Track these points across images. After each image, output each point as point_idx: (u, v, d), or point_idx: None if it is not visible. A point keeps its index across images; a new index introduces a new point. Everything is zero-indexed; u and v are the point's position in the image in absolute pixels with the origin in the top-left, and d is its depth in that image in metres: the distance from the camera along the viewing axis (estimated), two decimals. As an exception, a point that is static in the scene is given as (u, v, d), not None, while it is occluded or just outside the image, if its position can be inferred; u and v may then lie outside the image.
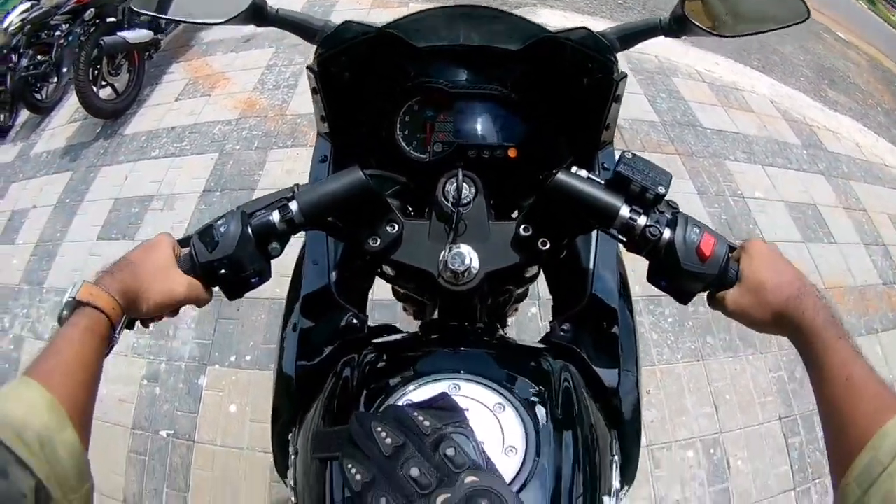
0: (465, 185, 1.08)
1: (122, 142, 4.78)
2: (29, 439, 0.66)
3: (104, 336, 0.82)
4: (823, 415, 0.78)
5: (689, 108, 4.44)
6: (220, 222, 0.93)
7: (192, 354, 3.19)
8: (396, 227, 1.02)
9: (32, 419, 0.68)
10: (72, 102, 5.39)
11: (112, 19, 5.01)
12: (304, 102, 4.42)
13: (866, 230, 4.14)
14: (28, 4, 6.22)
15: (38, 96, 5.68)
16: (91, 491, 0.74)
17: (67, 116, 5.54)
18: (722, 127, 4.38)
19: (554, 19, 5.63)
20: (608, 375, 1.09)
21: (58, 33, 5.66)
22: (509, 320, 1.71)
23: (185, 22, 1.20)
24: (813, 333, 0.80)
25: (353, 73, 1.25)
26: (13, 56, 5.72)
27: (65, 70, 5.48)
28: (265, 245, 0.94)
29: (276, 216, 0.94)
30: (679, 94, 4.55)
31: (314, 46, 1.23)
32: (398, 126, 1.28)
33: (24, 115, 5.93)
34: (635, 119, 4.20)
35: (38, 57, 5.67)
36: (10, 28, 5.79)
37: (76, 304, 0.81)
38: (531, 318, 3.09)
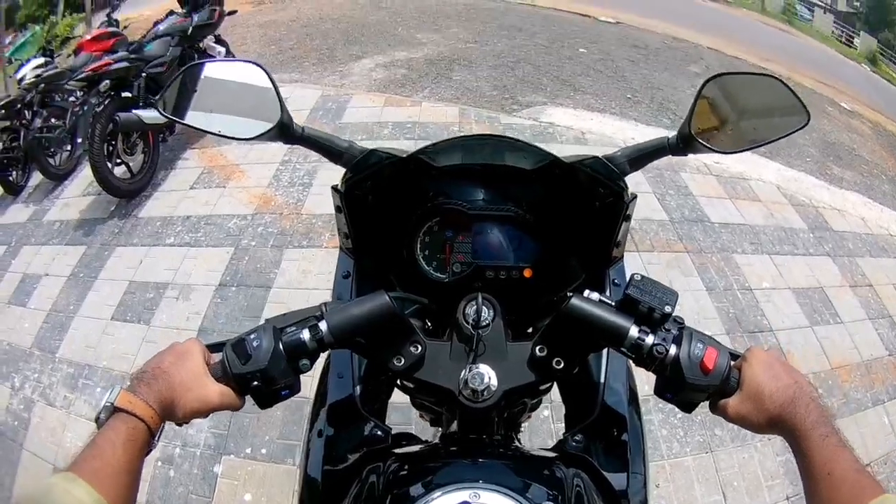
0: (484, 307, 1.11)
1: (137, 224, 4.83)
2: None
3: (144, 442, 0.84)
4: None
5: (698, 204, 4.52)
6: (252, 336, 0.96)
7: (208, 443, 3.21)
8: (419, 347, 1.05)
9: None
10: (86, 174, 5.43)
11: (127, 94, 5.03)
12: (318, 202, 4.48)
13: (872, 305, 4.24)
14: (42, 60, 6.50)
15: (51, 161, 5.74)
16: None
17: (81, 188, 5.59)
18: (729, 220, 4.46)
19: (564, 118, 5.75)
20: (618, 479, 1.12)
21: (72, 99, 5.79)
22: (523, 426, 1.74)
23: (213, 134, 1.20)
24: (802, 435, 0.84)
25: (377, 194, 1.31)
26: (27, 112, 5.88)
27: (79, 140, 5.56)
28: (296, 361, 0.97)
29: (306, 335, 0.97)
30: (688, 190, 4.63)
31: (331, 160, 1.28)
32: (419, 246, 1.34)
33: (38, 177, 6.00)
34: (645, 219, 4.27)
35: (52, 120, 5.78)
36: (24, 83, 6.01)
37: (114, 410, 0.83)
38: (543, 421, 3.16)
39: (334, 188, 1.26)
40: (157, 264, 4.37)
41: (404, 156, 1.26)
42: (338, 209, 1.28)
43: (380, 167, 1.25)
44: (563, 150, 1.39)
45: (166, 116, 1.24)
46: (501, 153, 1.36)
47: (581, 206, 1.30)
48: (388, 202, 1.33)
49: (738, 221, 4.51)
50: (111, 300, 4.25)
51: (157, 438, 0.88)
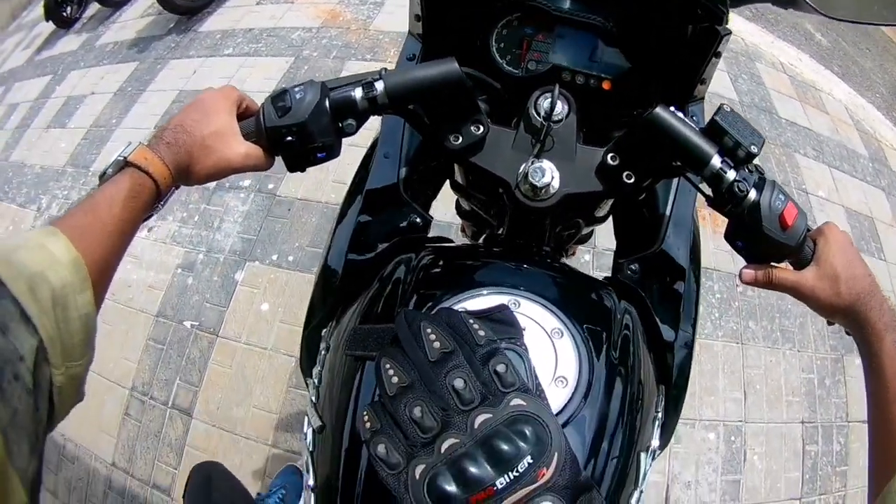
0: (559, 101, 1.05)
1: (196, 38, 4.73)
2: (42, 294, 0.61)
3: (148, 204, 0.79)
4: (872, 417, 0.80)
5: (768, 95, 4.37)
6: (297, 89, 0.89)
7: (234, 248, 3.14)
8: (482, 128, 0.99)
9: (51, 274, 0.63)
10: None
11: None
12: (389, 20, 4.36)
13: None
14: None
15: None
16: (88, 364, 0.68)
17: (141, 11, 5.48)
18: (797, 120, 4.32)
19: None
20: (666, 330, 1.06)
21: None
22: (565, 260, 1.66)
23: None
24: (875, 334, 0.81)
25: None
26: None
27: None
28: (340, 120, 0.91)
29: (358, 93, 0.90)
30: (760, 80, 4.48)
31: None
32: (494, 38, 1.26)
33: (94, 7, 5.89)
34: (714, 93, 4.10)
35: None
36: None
37: (125, 165, 0.77)
38: (584, 265, 2.96)
39: None
40: (212, 73, 4.28)
41: None
42: None
43: None
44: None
45: None
46: None
47: (673, 28, 1.20)
48: None
49: (805, 125, 4.37)
50: (158, 109, 4.18)
51: (162, 203, 0.82)
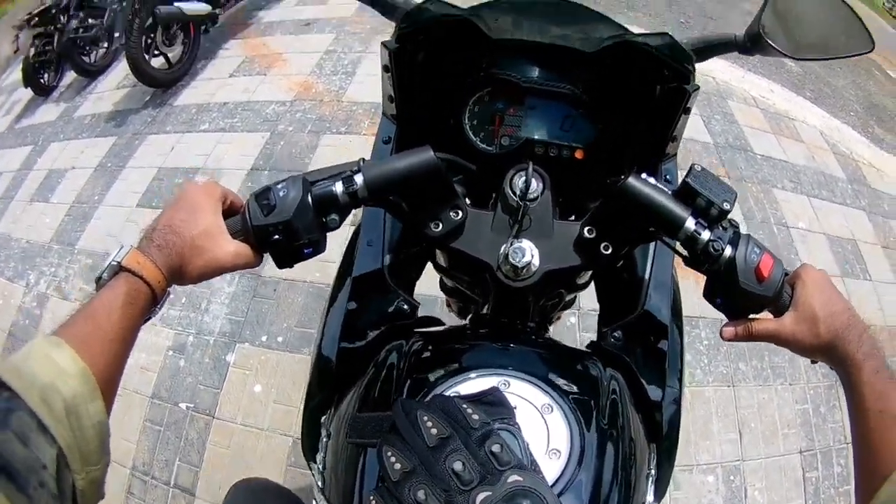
0: (533, 179, 1.05)
1: (172, 112, 4.78)
2: (55, 405, 0.63)
3: (144, 309, 0.79)
4: (855, 444, 0.82)
5: (742, 133, 4.44)
6: (279, 186, 0.89)
7: (223, 330, 3.16)
8: (460, 213, 1.00)
9: (61, 385, 0.65)
10: (121, 68, 5.38)
11: None
12: (361, 90, 4.42)
13: None
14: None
15: (86, 59, 5.70)
16: (106, 466, 0.71)
17: (116, 82, 5.53)
18: (772, 154, 4.38)
19: None
20: (653, 390, 1.08)
21: None
22: (550, 328, 1.69)
23: None
24: (855, 367, 0.83)
25: (428, 54, 1.24)
26: (62, 17, 5.80)
27: (116, 35, 5.49)
28: (324, 215, 0.92)
29: (339, 187, 0.91)
30: (733, 118, 4.56)
31: (375, 36, 1.26)
32: (467, 115, 1.27)
33: (70, 76, 5.96)
34: (689, 138, 4.16)
35: (89, 20, 5.69)
36: (61, -12, 5.95)
37: (119, 270, 0.78)
38: (569, 329, 3.03)
39: (384, 44, 1.17)
40: (189, 150, 4.33)
41: (462, 12, 1.17)
42: (385, 68, 1.20)
43: (434, 21, 1.17)
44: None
45: None
46: (565, 25, 1.26)
47: (641, 90, 1.22)
48: (438, 65, 1.26)
49: (781, 157, 4.43)
50: (138, 187, 4.21)
51: (160, 306, 0.83)
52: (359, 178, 0.92)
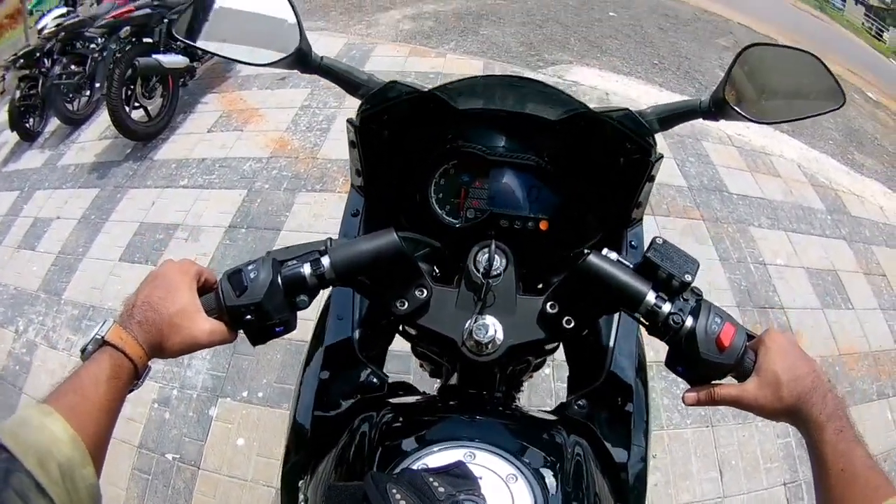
0: (496, 256, 1.09)
1: (152, 166, 4.85)
2: (51, 468, 0.67)
3: (127, 382, 0.82)
4: (818, 501, 0.83)
5: (717, 174, 4.48)
6: (250, 267, 0.92)
7: (205, 385, 3.23)
8: (425, 292, 1.02)
9: (55, 450, 0.69)
10: (103, 118, 5.44)
11: (148, 40, 5.07)
12: (334, 147, 4.49)
13: (884, 295, 4.17)
14: (64, 10, 6.41)
15: (69, 106, 5.78)
16: None
17: (98, 132, 5.61)
18: (748, 192, 4.41)
19: (589, 78, 5.71)
20: (618, 452, 1.10)
21: (92, 46, 5.75)
22: (523, 387, 1.72)
23: (227, 59, 1.22)
24: (817, 428, 0.84)
25: (393, 131, 1.26)
26: (46, 61, 5.89)
27: (98, 84, 5.56)
28: (294, 296, 0.94)
29: (307, 269, 0.94)
30: (708, 159, 4.59)
31: (349, 93, 1.25)
32: (432, 188, 1.29)
33: (54, 123, 6.02)
34: (663, 183, 4.20)
35: (72, 67, 5.79)
36: (45, 32, 5.96)
37: (103, 343, 0.81)
38: (544, 379, 3.12)
39: (349, 121, 1.21)
40: (169, 206, 4.39)
41: (424, 90, 1.21)
42: (351, 144, 1.24)
43: (398, 101, 1.20)
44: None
45: (188, 44, 1.22)
46: (527, 98, 1.30)
47: (605, 160, 1.25)
48: (403, 140, 1.29)
49: (757, 195, 4.46)
50: (120, 241, 4.28)
51: (142, 379, 0.86)
52: (325, 261, 0.94)
